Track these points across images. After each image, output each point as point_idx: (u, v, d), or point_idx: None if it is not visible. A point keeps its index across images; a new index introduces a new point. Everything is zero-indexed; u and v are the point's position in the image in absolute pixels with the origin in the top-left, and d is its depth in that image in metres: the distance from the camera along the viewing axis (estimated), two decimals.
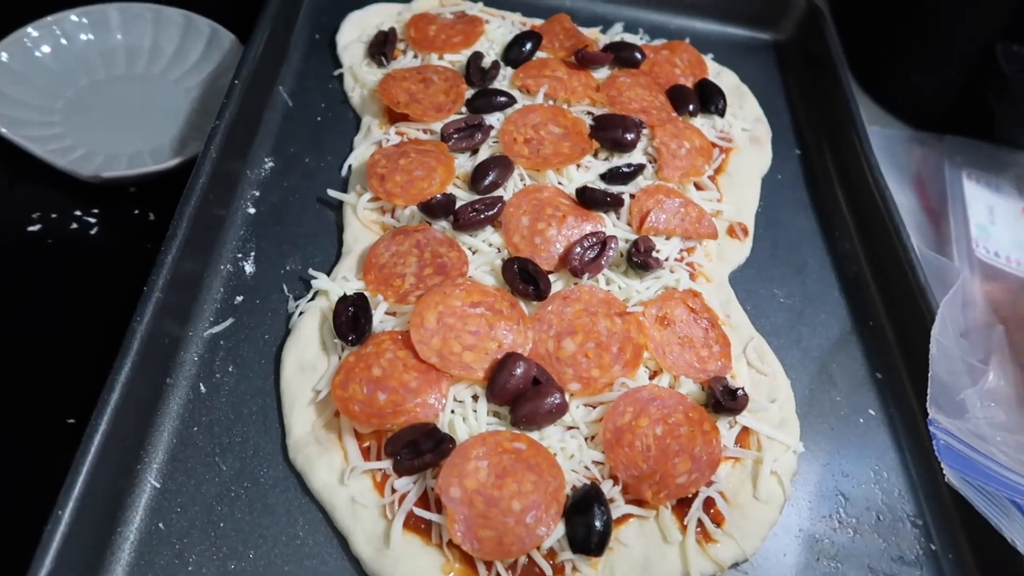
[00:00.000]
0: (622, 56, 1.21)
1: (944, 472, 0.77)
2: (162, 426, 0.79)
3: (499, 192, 0.99)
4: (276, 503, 0.76)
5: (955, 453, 0.77)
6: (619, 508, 0.75)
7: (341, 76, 1.17)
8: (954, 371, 0.85)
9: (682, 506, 0.76)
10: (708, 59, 1.29)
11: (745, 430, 0.83)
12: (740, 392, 0.83)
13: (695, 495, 0.76)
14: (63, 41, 1.18)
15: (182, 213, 0.86)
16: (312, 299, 0.89)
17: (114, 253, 1.01)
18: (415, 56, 1.19)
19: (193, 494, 0.75)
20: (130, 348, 0.75)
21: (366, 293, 0.87)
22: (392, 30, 1.20)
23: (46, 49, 1.17)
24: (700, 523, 0.76)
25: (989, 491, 0.75)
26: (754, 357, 0.91)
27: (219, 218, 0.95)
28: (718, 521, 0.76)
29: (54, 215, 1.03)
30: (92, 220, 1.04)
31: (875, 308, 1.01)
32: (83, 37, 1.20)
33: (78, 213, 1.04)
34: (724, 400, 0.82)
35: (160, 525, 0.73)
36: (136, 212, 1.05)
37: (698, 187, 1.08)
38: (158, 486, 0.75)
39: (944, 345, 0.85)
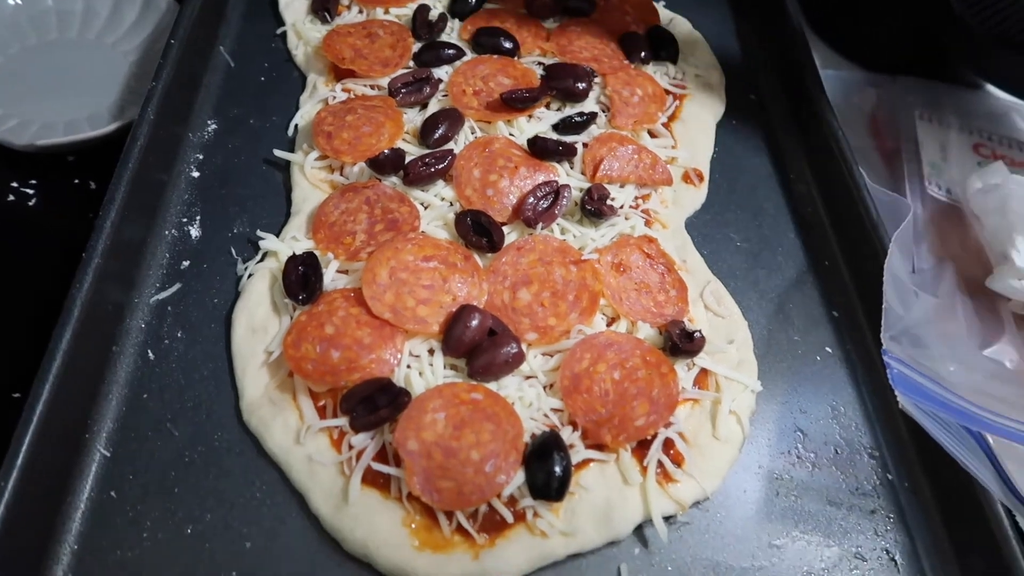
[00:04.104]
0: (572, 5, 1.19)
1: (898, 400, 0.78)
2: (110, 394, 0.77)
3: (449, 145, 0.97)
4: (232, 466, 0.74)
5: (908, 382, 0.78)
6: (579, 453, 0.75)
7: (284, 34, 1.14)
8: (907, 304, 0.86)
9: (642, 449, 0.76)
10: (660, 6, 1.27)
11: (704, 372, 0.83)
12: (697, 334, 0.83)
13: (654, 437, 0.76)
14: None
15: (120, 177, 0.84)
16: (261, 260, 0.88)
17: (55, 224, 0.98)
18: (360, 11, 1.16)
19: (146, 461, 0.74)
20: (71, 316, 0.73)
21: (316, 252, 0.86)
22: None
23: None
24: (660, 464, 0.76)
25: (942, 418, 0.76)
26: (711, 300, 0.91)
27: (160, 182, 0.93)
28: (678, 462, 0.77)
29: None
30: (30, 191, 1.00)
31: (830, 248, 1.01)
32: (11, 2, 1.16)
33: (15, 184, 1.01)
34: (681, 343, 0.82)
35: (112, 493, 0.71)
36: (76, 181, 1.02)
37: (652, 134, 1.07)
38: (108, 454, 0.73)
39: (897, 278, 0.85)
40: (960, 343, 0.92)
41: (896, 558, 0.75)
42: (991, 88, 1.30)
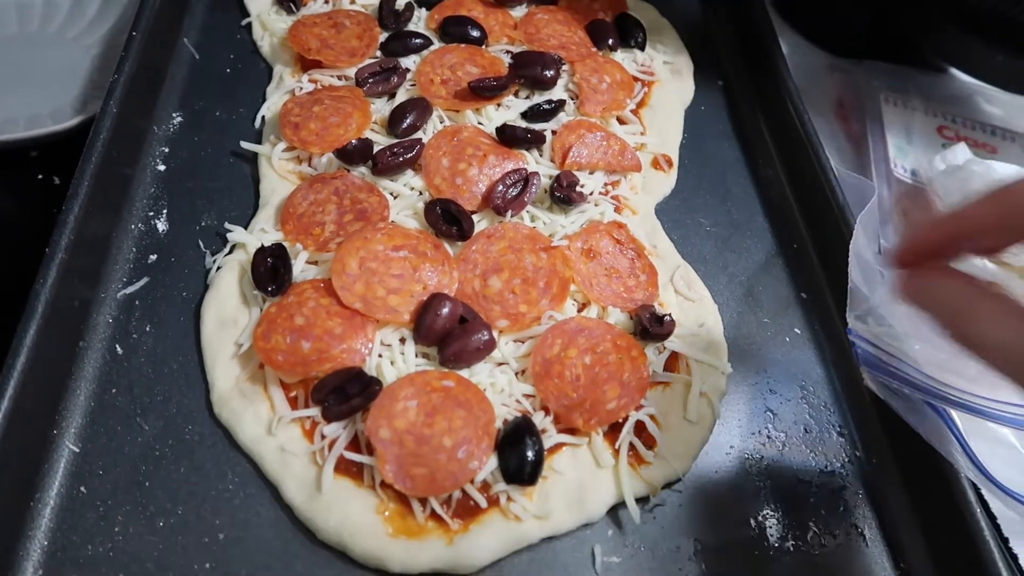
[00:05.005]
0: None
1: (864, 377, 0.79)
2: (78, 390, 0.76)
3: (418, 135, 0.97)
4: (203, 459, 0.74)
5: (874, 361, 0.79)
6: (551, 438, 0.75)
7: (249, 25, 1.13)
8: (872, 284, 0.87)
9: (614, 432, 0.77)
10: None
11: (675, 355, 0.84)
12: (667, 318, 0.84)
13: (625, 420, 0.77)
14: None
15: (83, 172, 0.83)
16: (230, 253, 0.87)
17: (18, 220, 0.97)
18: (325, 1, 1.15)
19: (115, 456, 0.73)
20: (34, 312, 0.72)
21: (285, 243, 0.85)
22: None
23: None
24: (632, 447, 0.76)
25: (906, 394, 0.78)
26: (681, 284, 0.91)
27: (126, 176, 0.92)
28: (650, 444, 0.77)
29: None
30: None
31: (798, 231, 1.02)
32: None
33: None
34: (651, 327, 0.82)
35: (82, 489, 0.71)
36: (40, 177, 1.01)
37: (621, 121, 1.07)
38: (77, 450, 0.73)
39: (862, 259, 0.86)
40: (925, 322, 0.93)
41: (864, 533, 0.76)
42: (955, 71, 1.32)
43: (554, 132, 1.00)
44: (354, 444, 0.73)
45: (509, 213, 0.89)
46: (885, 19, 1.33)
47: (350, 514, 0.70)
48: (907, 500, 0.79)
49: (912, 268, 0.59)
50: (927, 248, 0.59)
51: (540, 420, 0.76)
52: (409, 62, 1.05)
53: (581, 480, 0.74)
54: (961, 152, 1.09)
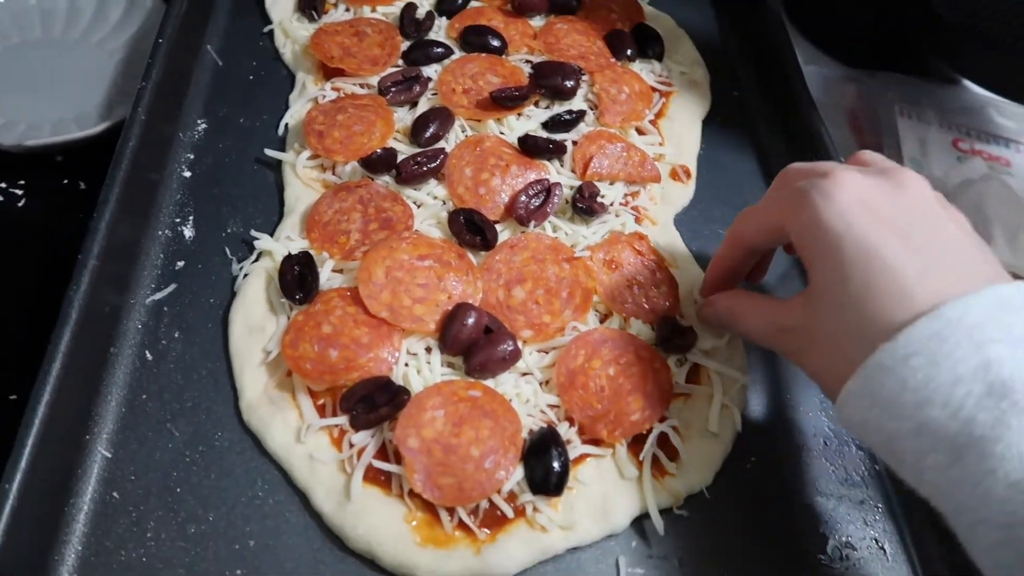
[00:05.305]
0: (558, 3, 1.20)
1: None
2: (109, 395, 0.77)
3: (440, 144, 0.98)
4: (233, 465, 0.75)
5: None
6: (576, 449, 0.76)
7: (271, 32, 1.14)
8: None
9: (637, 443, 0.78)
10: (644, 3, 1.28)
11: (695, 366, 0.85)
12: (689, 330, 0.84)
13: (649, 431, 0.78)
14: None
15: (113, 178, 0.84)
16: (256, 260, 0.88)
17: (44, 224, 0.97)
18: (347, 9, 1.16)
19: (146, 461, 0.74)
20: (68, 318, 0.73)
21: (311, 251, 0.86)
22: None
23: None
24: (655, 458, 0.77)
25: None
26: (701, 296, 0.92)
27: (153, 182, 0.93)
28: (672, 456, 0.78)
29: None
30: (19, 192, 1.00)
31: None
32: None
33: (3, 185, 1.00)
34: (673, 338, 0.83)
35: (115, 494, 0.71)
36: (65, 181, 1.02)
37: (640, 132, 1.08)
38: (109, 456, 0.73)
39: None
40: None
41: (885, 547, 0.77)
42: (968, 83, 1.33)
43: (574, 142, 1.01)
44: (382, 452, 0.74)
45: (532, 224, 0.90)
46: (900, 30, 1.34)
47: (379, 523, 0.71)
48: (928, 514, 0.79)
49: (710, 295, 0.84)
50: (712, 282, 0.85)
51: (565, 431, 0.76)
52: (430, 71, 1.06)
53: (605, 491, 0.75)
54: (976, 166, 1.10)
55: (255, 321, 0.83)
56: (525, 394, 0.78)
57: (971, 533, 0.56)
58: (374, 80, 1.04)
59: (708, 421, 0.81)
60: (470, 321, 0.79)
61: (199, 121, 1.02)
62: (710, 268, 0.85)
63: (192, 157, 0.98)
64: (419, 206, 0.92)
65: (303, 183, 0.95)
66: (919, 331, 0.57)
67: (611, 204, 0.96)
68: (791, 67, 1.17)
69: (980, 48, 1.22)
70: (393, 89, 1.02)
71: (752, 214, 0.76)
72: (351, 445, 0.74)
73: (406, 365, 0.79)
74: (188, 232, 0.91)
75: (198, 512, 0.71)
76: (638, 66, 1.16)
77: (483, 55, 1.08)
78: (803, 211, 0.66)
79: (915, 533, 0.78)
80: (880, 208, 0.64)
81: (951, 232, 0.64)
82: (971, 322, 0.56)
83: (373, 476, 0.73)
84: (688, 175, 1.07)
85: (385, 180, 0.93)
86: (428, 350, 0.80)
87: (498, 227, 0.90)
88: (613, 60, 1.14)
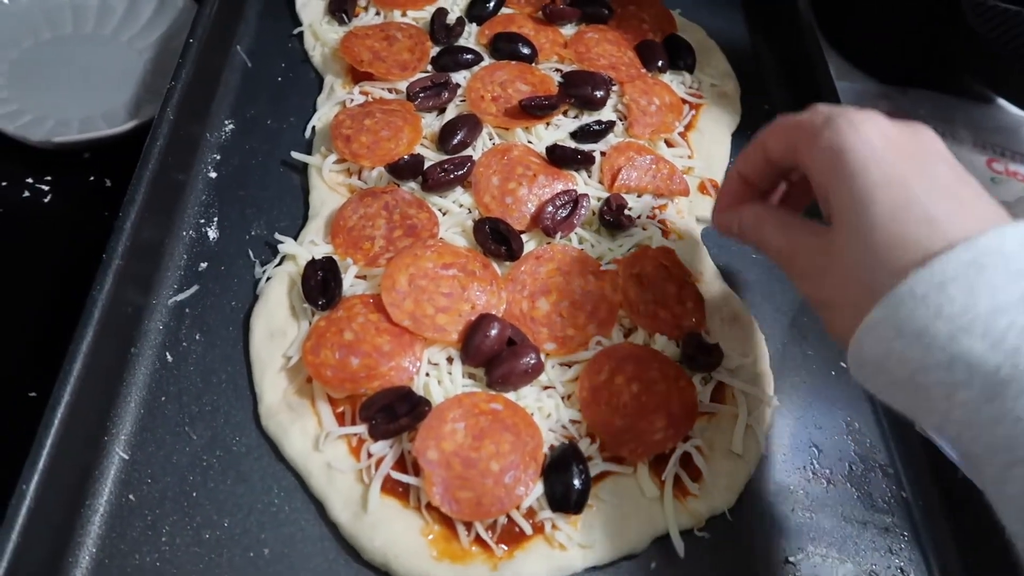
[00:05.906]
0: (589, 11, 1.18)
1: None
2: (128, 396, 0.77)
3: (468, 152, 0.97)
4: (250, 471, 0.74)
5: None
6: (597, 466, 0.75)
7: (301, 34, 1.14)
8: None
9: (659, 462, 0.77)
10: (676, 14, 1.27)
11: (720, 385, 0.83)
12: (714, 347, 0.83)
13: (672, 451, 0.76)
14: (4, 0, 1.13)
15: (140, 177, 0.83)
16: (279, 264, 0.87)
17: (69, 221, 0.98)
18: (377, 13, 1.16)
19: (163, 464, 0.73)
20: (91, 317, 0.72)
21: (335, 257, 0.86)
22: None
23: None
24: (677, 478, 0.76)
25: None
26: (727, 313, 0.91)
27: (179, 182, 0.92)
28: (695, 476, 0.77)
29: (4, 183, 0.99)
30: (45, 188, 1.00)
31: None
32: None
33: (30, 180, 1.00)
34: (699, 356, 0.82)
35: (131, 497, 0.71)
36: (91, 179, 1.02)
37: (669, 144, 1.07)
38: (127, 457, 0.73)
39: None
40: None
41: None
42: (1003, 102, 1.31)
43: (603, 153, 0.99)
44: (400, 463, 0.73)
45: (558, 235, 0.89)
46: (934, 46, 1.32)
47: (395, 535, 0.70)
48: (953, 543, 0.78)
49: (724, 210, 0.80)
50: (727, 193, 0.80)
51: (586, 447, 0.75)
52: (459, 77, 1.05)
53: (625, 510, 0.74)
54: (1011, 188, 1.08)
55: (276, 326, 0.82)
56: (547, 408, 0.77)
57: (1003, 476, 0.52)
58: (403, 85, 1.03)
59: (732, 442, 0.79)
60: (493, 332, 0.78)
61: (227, 122, 1.02)
62: (726, 179, 0.81)
63: (218, 158, 0.98)
64: (444, 214, 0.92)
65: (329, 187, 0.95)
66: (957, 257, 0.53)
67: (638, 217, 0.95)
68: (823, 81, 1.15)
69: (1016, 66, 1.19)
70: (422, 95, 1.01)
71: (780, 122, 0.72)
72: (369, 455, 0.74)
73: (427, 375, 0.78)
74: (212, 233, 0.91)
75: (213, 517, 0.71)
76: (668, 77, 1.15)
77: (513, 63, 1.08)
78: (824, 133, 0.63)
79: (942, 563, 0.76)
80: (905, 146, 0.61)
81: (970, 179, 0.62)
82: (1008, 251, 0.53)
83: (390, 487, 0.72)
84: (716, 189, 1.05)
85: (411, 186, 0.93)
86: (450, 360, 0.80)
87: (524, 237, 0.89)
88: (644, 71, 1.13)
